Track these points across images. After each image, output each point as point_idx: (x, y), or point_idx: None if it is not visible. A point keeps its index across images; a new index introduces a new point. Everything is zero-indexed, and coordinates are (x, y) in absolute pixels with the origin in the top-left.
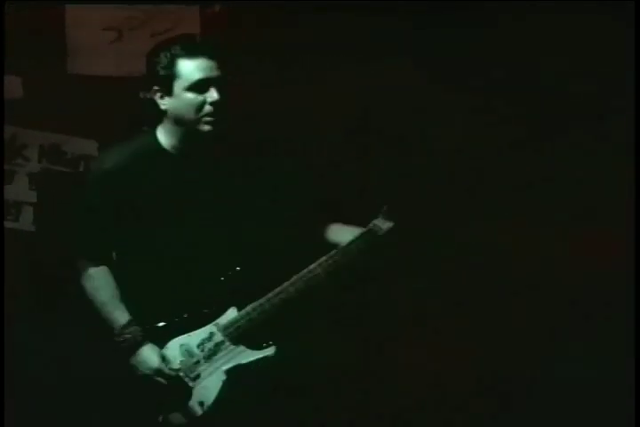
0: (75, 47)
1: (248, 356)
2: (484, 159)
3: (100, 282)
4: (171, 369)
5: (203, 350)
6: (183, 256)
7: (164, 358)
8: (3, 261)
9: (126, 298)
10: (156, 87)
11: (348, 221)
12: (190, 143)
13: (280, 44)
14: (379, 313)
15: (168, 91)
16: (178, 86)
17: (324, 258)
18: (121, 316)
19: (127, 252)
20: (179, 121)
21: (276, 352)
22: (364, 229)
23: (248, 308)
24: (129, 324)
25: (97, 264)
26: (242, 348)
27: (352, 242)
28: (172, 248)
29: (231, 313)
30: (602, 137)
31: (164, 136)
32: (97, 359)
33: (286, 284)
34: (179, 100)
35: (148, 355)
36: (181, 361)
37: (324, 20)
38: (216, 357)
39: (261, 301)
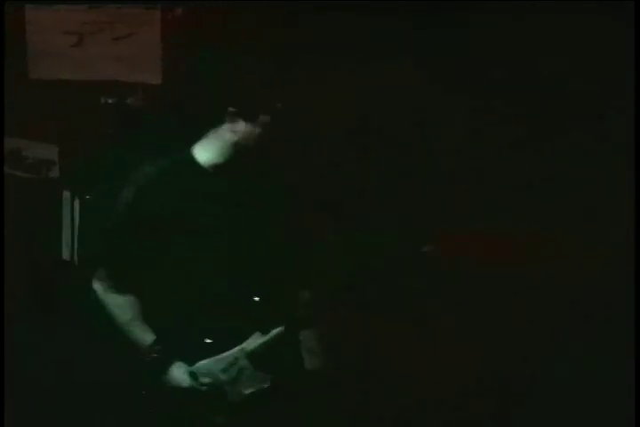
0: (35, 51)
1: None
2: (484, 159)
3: (123, 300)
4: (202, 385)
5: (227, 375)
6: (210, 278)
7: (193, 376)
8: (3, 261)
9: (150, 319)
10: (233, 109)
11: (347, 221)
12: (234, 161)
13: (280, 44)
14: (378, 313)
15: (251, 119)
16: (262, 119)
17: None
18: (147, 335)
19: (153, 272)
20: (240, 147)
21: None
22: None
23: (272, 333)
24: (155, 343)
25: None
26: (265, 373)
27: None
28: (199, 269)
29: (256, 338)
30: (602, 137)
31: (206, 154)
32: (97, 360)
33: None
34: (256, 131)
35: (178, 374)
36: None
37: (324, 20)
38: (239, 381)
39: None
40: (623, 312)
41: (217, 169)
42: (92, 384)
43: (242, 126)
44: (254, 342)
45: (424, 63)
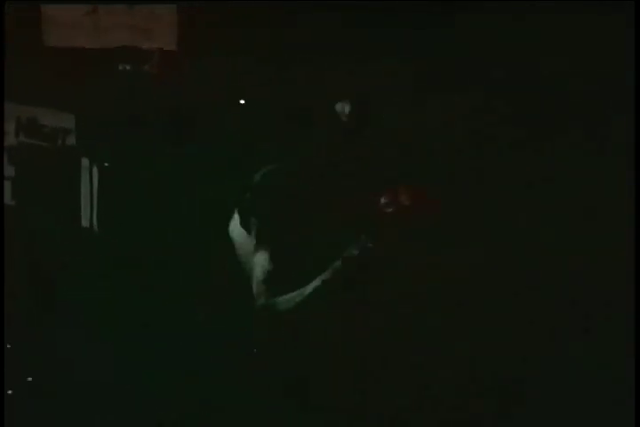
0: (50, 20)
1: None
2: (484, 159)
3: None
4: None
5: None
6: None
7: None
8: (2, 260)
9: None
10: None
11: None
12: None
13: (279, 44)
14: (378, 313)
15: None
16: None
17: None
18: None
19: None
20: None
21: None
22: None
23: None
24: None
25: None
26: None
27: None
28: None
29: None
30: (602, 137)
31: None
32: (97, 360)
33: None
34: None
35: None
36: None
37: (323, 19)
38: None
39: None
40: (623, 312)
41: None
42: (93, 385)
43: None
44: None
45: (424, 63)
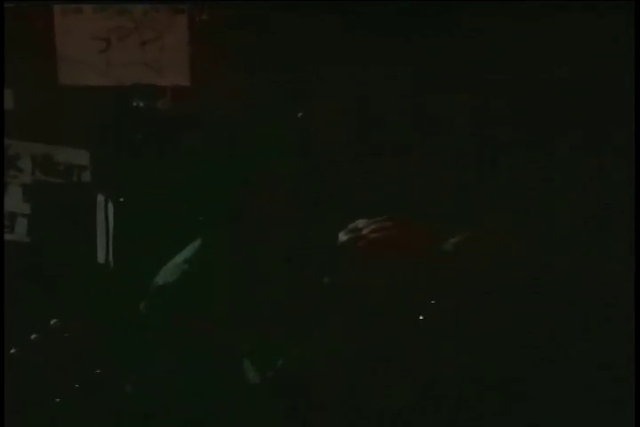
0: (64, 57)
1: None
2: (484, 159)
3: None
4: None
5: None
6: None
7: None
8: (3, 268)
9: None
10: None
11: (347, 222)
12: None
13: (279, 46)
14: (378, 312)
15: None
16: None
17: None
18: None
19: None
20: None
21: None
22: None
23: None
24: None
25: None
26: None
27: None
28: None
29: None
30: (602, 137)
31: None
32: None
33: None
34: None
35: None
36: None
37: (324, 22)
38: None
39: None
40: (623, 312)
41: None
42: (93, 385)
43: None
44: None
45: (424, 65)
